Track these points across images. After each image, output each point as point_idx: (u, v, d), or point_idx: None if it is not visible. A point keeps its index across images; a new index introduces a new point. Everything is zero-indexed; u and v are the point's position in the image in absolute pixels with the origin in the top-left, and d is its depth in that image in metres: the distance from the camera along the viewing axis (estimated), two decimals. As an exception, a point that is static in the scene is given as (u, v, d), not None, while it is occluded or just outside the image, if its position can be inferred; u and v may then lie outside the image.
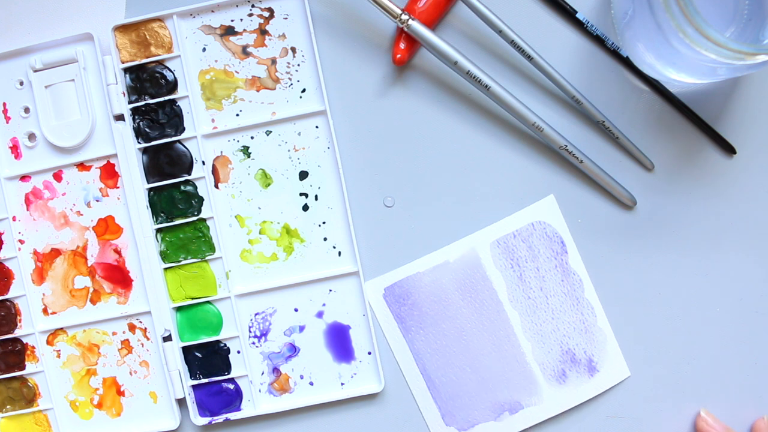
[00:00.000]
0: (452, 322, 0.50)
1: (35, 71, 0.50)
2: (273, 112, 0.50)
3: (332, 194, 0.50)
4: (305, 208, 0.50)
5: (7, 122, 0.51)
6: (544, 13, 0.49)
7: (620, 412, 0.50)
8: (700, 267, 0.50)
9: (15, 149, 0.51)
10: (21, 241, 0.51)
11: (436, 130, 0.50)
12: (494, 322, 0.50)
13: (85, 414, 0.51)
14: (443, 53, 0.47)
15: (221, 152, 0.50)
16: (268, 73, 0.50)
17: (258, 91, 0.50)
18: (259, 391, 0.51)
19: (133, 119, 0.50)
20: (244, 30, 0.50)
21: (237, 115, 0.50)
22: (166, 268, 0.50)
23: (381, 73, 0.50)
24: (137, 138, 0.50)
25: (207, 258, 0.50)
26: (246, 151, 0.50)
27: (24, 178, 0.51)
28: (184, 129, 0.50)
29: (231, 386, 0.51)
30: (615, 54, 0.49)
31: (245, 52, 0.50)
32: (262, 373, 0.51)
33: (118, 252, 0.51)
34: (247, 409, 0.51)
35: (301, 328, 0.50)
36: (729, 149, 0.49)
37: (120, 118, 0.50)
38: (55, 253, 0.51)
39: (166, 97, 0.50)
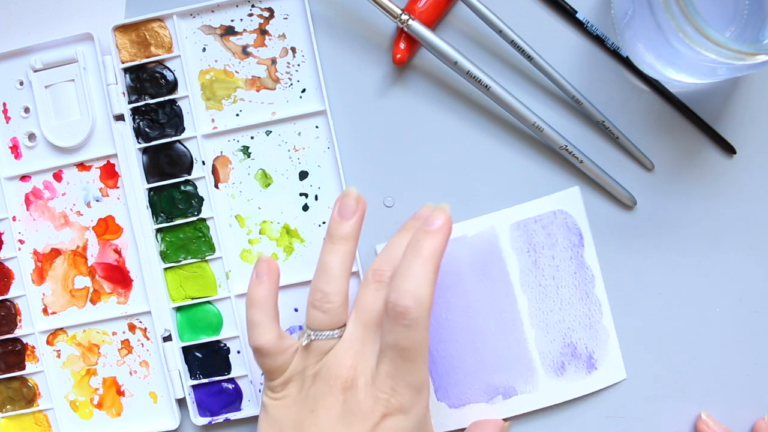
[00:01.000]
0: (460, 297, 0.49)
1: (35, 71, 0.50)
2: (273, 112, 0.50)
3: (332, 194, 0.50)
4: (305, 208, 0.50)
5: (7, 122, 0.51)
6: (544, 13, 0.49)
7: (620, 412, 0.50)
8: (700, 267, 0.50)
9: (15, 149, 0.51)
10: (21, 241, 0.51)
11: (436, 130, 0.50)
12: (502, 304, 0.49)
13: (85, 414, 0.51)
14: (443, 53, 0.47)
15: (221, 152, 0.50)
16: (268, 73, 0.50)
17: (258, 91, 0.50)
18: (259, 391, 0.51)
19: (133, 119, 0.50)
20: (244, 30, 0.50)
21: (237, 115, 0.50)
22: (166, 268, 0.50)
23: (381, 73, 0.50)
24: (137, 138, 0.50)
25: (207, 258, 0.50)
26: (246, 151, 0.50)
27: (24, 178, 0.51)
28: (184, 129, 0.50)
29: (231, 386, 0.51)
30: (615, 54, 0.49)
31: (245, 52, 0.50)
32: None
33: (118, 252, 0.51)
34: (247, 409, 0.51)
35: (301, 328, 0.50)
36: (729, 149, 0.49)
37: (120, 118, 0.50)
38: (55, 253, 0.51)
39: (166, 97, 0.50)
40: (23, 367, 0.51)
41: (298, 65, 0.50)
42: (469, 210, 0.50)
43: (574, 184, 0.50)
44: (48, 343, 0.51)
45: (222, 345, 0.51)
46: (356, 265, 0.49)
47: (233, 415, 0.50)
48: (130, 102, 0.50)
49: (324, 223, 0.50)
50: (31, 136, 0.51)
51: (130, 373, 0.51)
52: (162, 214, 0.50)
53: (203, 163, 0.50)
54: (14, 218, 0.51)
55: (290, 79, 0.50)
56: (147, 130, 0.50)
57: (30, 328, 0.51)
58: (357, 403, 0.40)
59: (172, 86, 0.50)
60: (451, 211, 0.41)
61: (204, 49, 0.50)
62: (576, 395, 0.49)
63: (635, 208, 0.50)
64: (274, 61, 0.50)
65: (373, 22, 0.50)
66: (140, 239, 0.50)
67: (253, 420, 0.51)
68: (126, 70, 0.50)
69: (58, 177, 0.51)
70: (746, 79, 0.49)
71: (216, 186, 0.50)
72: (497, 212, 0.49)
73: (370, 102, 0.50)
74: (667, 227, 0.50)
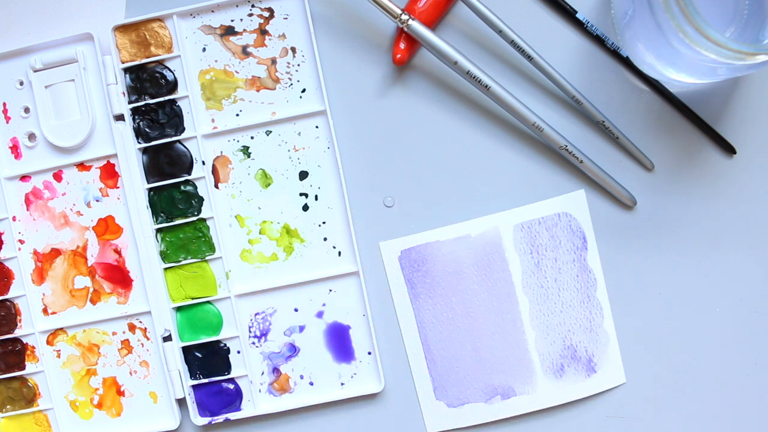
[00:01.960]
0: (462, 297, 0.50)
1: (35, 71, 0.50)
2: (273, 112, 0.50)
3: (332, 194, 0.50)
4: (305, 208, 0.50)
5: (7, 122, 0.51)
6: (544, 13, 0.49)
7: (620, 412, 0.50)
8: (700, 267, 0.50)
9: (15, 149, 0.51)
10: (21, 241, 0.51)
11: (436, 130, 0.50)
12: (503, 305, 0.49)
13: (85, 414, 0.51)
14: (443, 53, 0.47)
15: (221, 152, 0.50)
16: (268, 73, 0.50)
17: (258, 91, 0.50)
18: (259, 391, 0.51)
19: (133, 119, 0.50)
20: (244, 30, 0.50)
21: (237, 115, 0.50)
22: (166, 268, 0.50)
23: (381, 73, 0.50)
24: (137, 138, 0.50)
25: (207, 258, 0.50)
26: (246, 151, 0.50)
27: (24, 178, 0.51)
28: (184, 129, 0.50)
29: (231, 386, 0.51)
30: (615, 54, 0.49)
31: (245, 52, 0.50)
32: (262, 373, 0.51)
33: (118, 252, 0.51)
34: (247, 409, 0.51)
35: (301, 328, 0.50)
36: (729, 149, 0.49)
37: (120, 118, 0.50)
38: (55, 253, 0.51)
39: (166, 97, 0.50)
40: (23, 367, 0.51)
41: (298, 65, 0.50)
42: (469, 210, 0.50)
43: (573, 185, 0.50)
44: (48, 343, 0.51)
45: (222, 345, 0.51)
46: (356, 265, 0.49)
47: (233, 415, 0.50)
48: (130, 102, 0.50)
49: (324, 222, 0.50)
50: (31, 136, 0.51)
51: (130, 373, 0.51)
52: (162, 214, 0.50)
53: (203, 163, 0.50)
54: (14, 218, 0.51)
55: (290, 79, 0.50)
56: (147, 130, 0.50)
57: (30, 328, 0.51)
58: None
59: (172, 86, 0.50)
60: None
61: (204, 49, 0.50)
62: (574, 398, 0.50)
63: (635, 208, 0.50)
64: (274, 61, 0.50)
65: (373, 22, 0.50)
66: (140, 239, 0.50)
67: (253, 420, 0.51)
68: (126, 70, 0.50)
69: (58, 177, 0.51)
70: (746, 79, 0.49)
71: (216, 186, 0.50)
72: (501, 213, 0.49)
73: (370, 102, 0.50)
74: (667, 227, 0.50)
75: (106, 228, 0.51)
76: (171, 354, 0.50)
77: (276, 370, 0.51)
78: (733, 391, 0.50)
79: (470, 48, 0.49)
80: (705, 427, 0.50)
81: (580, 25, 0.49)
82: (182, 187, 0.50)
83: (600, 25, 0.49)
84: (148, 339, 0.51)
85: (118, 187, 0.51)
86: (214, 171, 0.50)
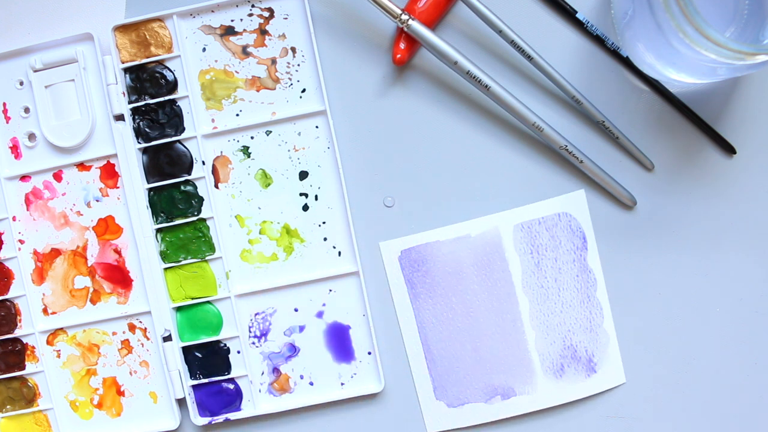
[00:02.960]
0: (462, 297, 0.50)
1: (35, 71, 0.50)
2: (273, 112, 0.50)
3: (332, 194, 0.50)
4: (305, 208, 0.50)
5: (7, 122, 0.51)
6: (544, 13, 0.49)
7: (620, 412, 0.50)
8: (700, 267, 0.50)
9: (15, 149, 0.51)
10: (21, 241, 0.51)
11: (436, 130, 0.50)
12: (503, 305, 0.49)
13: (85, 414, 0.51)
14: (443, 53, 0.47)
15: (221, 152, 0.50)
16: (268, 73, 0.50)
17: (258, 91, 0.50)
18: (259, 391, 0.51)
19: (133, 119, 0.50)
20: (244, 30, 0.50)
21: (237, 115, 0.50)
22: (166, 268, 0.50)
23: (381, 73, 0.50)
24: (137, 138, 0.50)
25: (207, 258, 0.50)
26: (246, 151, 0.50)
27: (24, 178, 0.51)
28: (184, 129, 0.50)
29: (231, 386, 0.51)
30: (615, 54, 0.49)
31: (245, 52, 0.50)
32: (262, 373, 0.51)
33: (118, 252, 0.51)
34: (247, 409, 0.51)
35: (301, 328, 0.50)
36: (729, 149, 0.49)
37: (120, 118, 0.50)
38: (55, 253, 0.51)
39: (166, 97, 0.50)
40: (23, 367, 0.51)
41: (298, 65, 0.50)
42: (469, 210, 0.50)
43: (573, 185, 0.50)
44: (48, 343, 0.51)
45: (222, 345, 0.51)
46: (356, 265, 0.49)
47: (233, 415, 0.50)
48: (130, 102, 0.50)
49: (324, 222, 0.50)
50: (31, 136, 0.51)
51: (130, 373, 0.51)
52: (162, 214, 0.50)
53: (203, 163, 0.50)
54: (14, 218, 0.51)
55: (290, 79, 0.50)
56: (147, 130, 0.50)
57: (30, 328, 0.51)
58: None
59: (172, 86, 0.50)
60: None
61: (204, 49, 0.50)
62: (574, 398, 0.50)
63: (635, 208, 0.50)
64: (274, 61, 0.50)
65: (373, 22, 0.50)
66: (140, 239, 0.50)
67: (253, 420, 0.51)
68: (126, 70, 0.50)
69: (58, 177, 0.51)
70: (746, 79, 0.49)
71: (216, 186, 0.50)
72: (501, 213, 0.49)
73: (370, 102, 0.50)
74: (667, 227, 0.50)
75: (106, 228, 0.51)
76: (171, 354, 0.50)
77: (276, 370, 0.51)
78: (733, 391, 0.50)
79: (470, 48, 0.49)
80: (705, 427, 0.50)
81: (580, 25, 0.49)
82: (182, 187, 0.50)
83: (600, 25, 0.49)
84: (148, 339, 0.51)
85: (118, 187, 0.51)
86: (214, 171, 0.50)
